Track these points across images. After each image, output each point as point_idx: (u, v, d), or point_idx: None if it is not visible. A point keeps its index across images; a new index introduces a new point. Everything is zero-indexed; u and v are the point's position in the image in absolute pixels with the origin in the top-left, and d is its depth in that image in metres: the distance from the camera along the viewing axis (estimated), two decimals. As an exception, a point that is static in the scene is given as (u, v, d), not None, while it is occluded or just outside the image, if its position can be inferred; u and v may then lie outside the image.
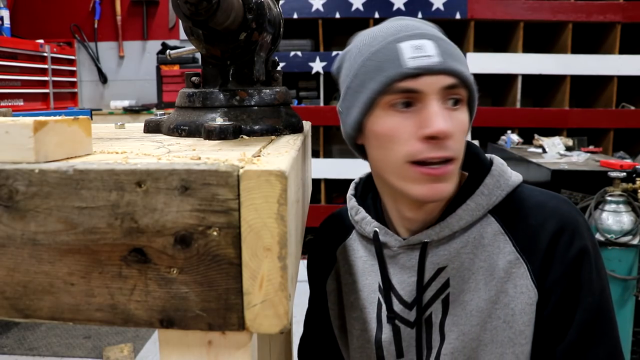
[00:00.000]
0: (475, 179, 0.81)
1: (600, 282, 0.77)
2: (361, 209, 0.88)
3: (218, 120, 0.69)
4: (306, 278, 1.02)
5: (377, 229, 0.84)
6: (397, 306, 0.84)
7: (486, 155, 0.85)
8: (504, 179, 0.81)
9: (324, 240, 0.98)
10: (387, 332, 0.84)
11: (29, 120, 0.44)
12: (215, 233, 0.44)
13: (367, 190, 0.91)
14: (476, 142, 3.44)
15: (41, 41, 3.56)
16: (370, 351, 0.87)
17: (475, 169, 0.82)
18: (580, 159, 2.65)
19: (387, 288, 0.84)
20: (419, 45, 0.71)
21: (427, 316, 0.81)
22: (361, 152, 0.83)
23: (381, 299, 0.85)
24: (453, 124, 0.72)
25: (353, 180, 0.95)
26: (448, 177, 0.73)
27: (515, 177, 0.83)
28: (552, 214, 0.77)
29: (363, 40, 0.78)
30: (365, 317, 0.87)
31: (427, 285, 0.81)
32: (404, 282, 0.83)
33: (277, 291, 0.44)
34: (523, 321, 0.76)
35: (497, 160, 0.84)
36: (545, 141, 2.97)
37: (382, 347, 0.85)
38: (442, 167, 0.71)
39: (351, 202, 0.91)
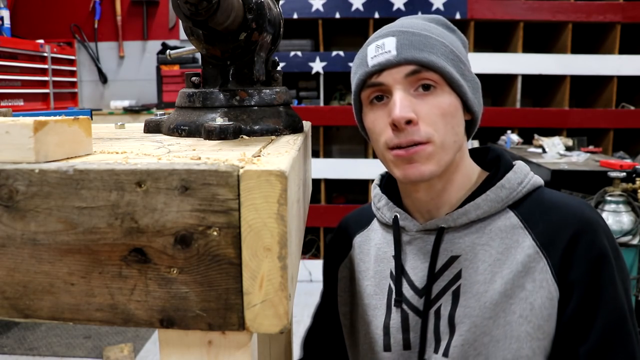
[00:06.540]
0: (497, 175, 0.83)
1: (623, 286, 0.76)
2: (384, 196, 0.92)
3: (218, 120, 0.69)
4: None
5: (397, 214, 0.88)
6: (407, 291, 0.85)
7: (512, 159, 0.87)
8: (527, 178, 0.83)
9: (342, 231, 1.01)
10: (395, 318, 0.85)
11: (29, 120, 0.44)
12: (215, 233, 0.44)
13: (392, 182, 0.96)
14: (476, 142, 3.44)
15: (41, 41, 3.56)
16: (377, 337, 0.87)
17: (497, 167, 0.85)
18: (580, 159, 2.65)
19: (399, 272, 0.86)
20: (380, 44, 0.78)
21: (436, 308, 0.81)
22: None
23: (392, 285, 0.87)
24: (423, 108, 0.76)
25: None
26: (420, 158, 0.76)
27: (538, 178, 0.85)
28: (573, 214, 0.78)
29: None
30: (375, 304, 0.89)
31: (439, 274, 0.82)
32: (417, 267, 0.84)
33: (277, 291, 0.44)
34: (542, 316, 0.75)
35: (521, 163, 0.86)
36: (545, 141, 2.97)
37: (390, 333, 0.85)
38: (410, 148, 0.76)
39: (375, 190, 0.95)
